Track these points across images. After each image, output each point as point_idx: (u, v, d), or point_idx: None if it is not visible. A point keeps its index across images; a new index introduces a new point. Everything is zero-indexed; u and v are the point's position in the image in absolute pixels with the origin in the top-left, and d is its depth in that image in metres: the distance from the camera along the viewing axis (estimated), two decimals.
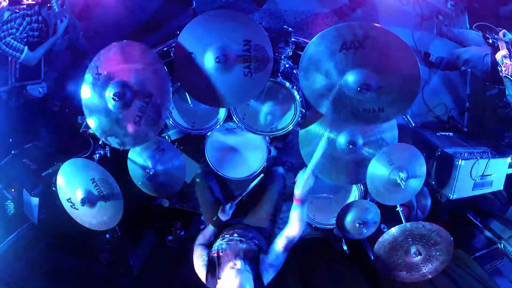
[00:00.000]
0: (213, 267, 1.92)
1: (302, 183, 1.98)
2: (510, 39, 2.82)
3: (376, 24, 1.96)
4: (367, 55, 1.99)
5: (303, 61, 2.10)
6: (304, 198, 2.00)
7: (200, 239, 2.24)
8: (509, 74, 2.71)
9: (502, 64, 2.74)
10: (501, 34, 2.85)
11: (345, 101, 2.14)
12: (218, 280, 1.82)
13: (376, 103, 2.10)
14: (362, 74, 2.02)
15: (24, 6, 2.50)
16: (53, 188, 2.68)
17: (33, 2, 2.54)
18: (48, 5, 2.56)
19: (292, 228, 2.02)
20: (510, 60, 2.72)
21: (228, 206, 2.31)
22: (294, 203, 2.02)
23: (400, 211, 2.64)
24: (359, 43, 1.97)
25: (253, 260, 1.93)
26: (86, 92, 2.22)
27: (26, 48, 2.50)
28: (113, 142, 2.28)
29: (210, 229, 2.29)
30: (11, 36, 2.41)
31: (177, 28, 2.36)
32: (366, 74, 2.02)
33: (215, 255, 1.98)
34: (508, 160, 2.85)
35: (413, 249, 2.61)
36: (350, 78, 2.05)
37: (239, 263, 1.84)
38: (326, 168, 2.54)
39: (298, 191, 2.00)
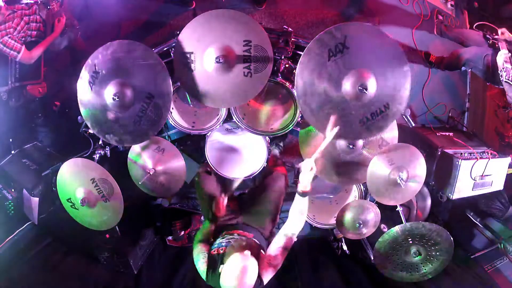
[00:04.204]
0: (214, 263, 1.92)
1: (306, 170, 1.95)
2: (509, 37, 2.81)
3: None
4: (355, 54, 1.98)
5: (299, 88, 2.07)
6: (308, 187, 1.96)
7: (199, 236, 2.23)
8: (510, 79, 2.70)
9: (503, 69, 2.72)
10: (500, 32, 2.84)
11: (351, 113, 2.09)
12: (221, 266, 1.81)
13: (379, 102, 2.07)
14: (357, 74, 2.00)
15: (23, 5, 2.50)
16: (53, 188, 2.68)
17: (32, 2, 2.54)
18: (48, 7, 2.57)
19: (291, 224, 2.01)
20: (511, 64, 2.71)
21: (221, 199, 2.25)
22: (297, 195, 2.00)
23: (400, 211, 2.65)
24: (342, 45, 1.97)
25: (255, 257, 1.93)
26: (83, 90, 2.21)
27: (23, 47, 2.49)
28: (112, 139, 2.29)
29: (207, 226, 2.28)
30: (9, 36, 2.41)
31: (177, 28, 2.36)
32: (360, 73, 2.00)
33: (216, 252, 1.98)
34: (508, 160, 2.85)
35: (413, 249, 2.61)
36: (348, 83, 2.02)
37: (247, 252, 1.83)
38: (326, 168, 2.55)
39: (302, 179, 1.96)
